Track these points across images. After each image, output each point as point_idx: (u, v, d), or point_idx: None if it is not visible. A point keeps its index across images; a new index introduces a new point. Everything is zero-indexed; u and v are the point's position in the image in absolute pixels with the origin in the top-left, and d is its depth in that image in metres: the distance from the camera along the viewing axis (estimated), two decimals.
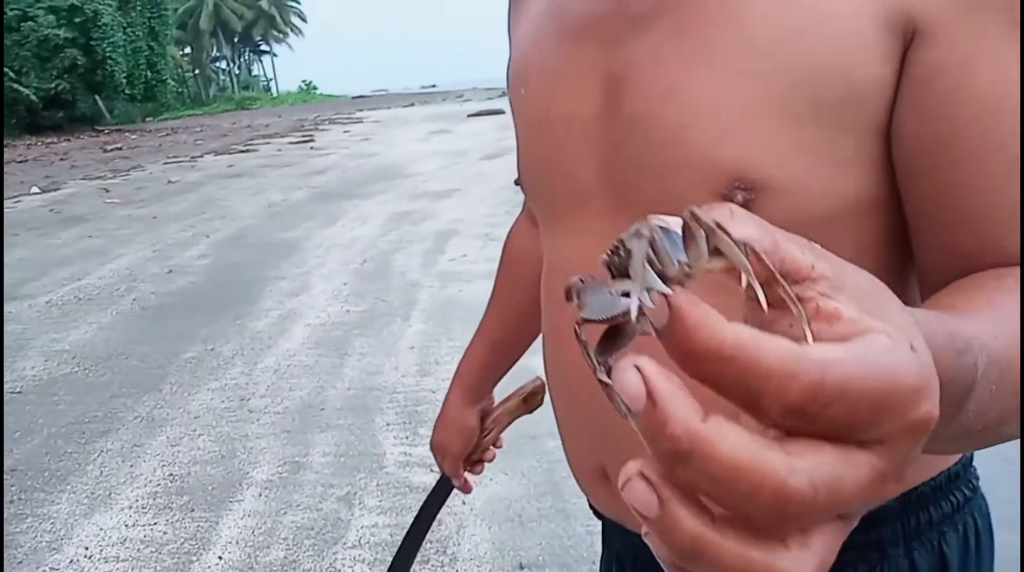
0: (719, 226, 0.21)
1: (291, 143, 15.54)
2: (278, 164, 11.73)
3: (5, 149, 18.85)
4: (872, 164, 0.45)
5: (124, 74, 26.85)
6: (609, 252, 0.22)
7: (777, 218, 0.36)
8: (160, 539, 2.19)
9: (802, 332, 0.20)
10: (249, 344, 3.73)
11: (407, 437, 2.74)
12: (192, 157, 13.63)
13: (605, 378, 0.20)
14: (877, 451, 0.20)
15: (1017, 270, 0.40)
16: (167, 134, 21.76)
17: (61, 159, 14.68)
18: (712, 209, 0.22)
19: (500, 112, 22.77)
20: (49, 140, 21.55)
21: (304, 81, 53.35)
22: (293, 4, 53.59)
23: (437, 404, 3.17)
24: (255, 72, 59.84)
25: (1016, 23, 0.41)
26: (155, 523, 2.27)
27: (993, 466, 0.72)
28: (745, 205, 0.45)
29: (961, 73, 0.42)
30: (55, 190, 9.89)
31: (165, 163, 12.86)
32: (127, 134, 22.95)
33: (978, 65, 0.42)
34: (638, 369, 0.19)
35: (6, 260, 5.81)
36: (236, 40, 52.82)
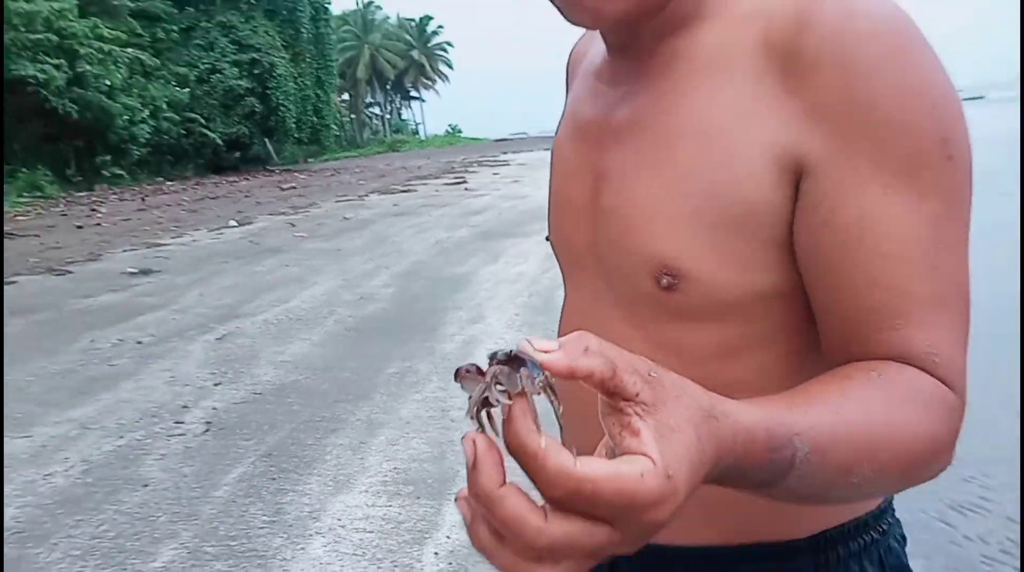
0: (544, 365, 0.32)
1: (445, 185, 16.53)
2: (437, 204, 12.59)
3: (197, 186, 21.25)
4: (774, 266, 0.56)
5: (294, 120, 29.52)
6: (488, 357, 0.34)
7: (694, 301, 0.57)
8: (396, 518, 2.61)
9: (618, 435, 0.33)
10: (440, 363, 4.20)
11: None
12: (359, 196, 14.86)
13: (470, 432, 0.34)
14: (617, 529, 0.33)
15: (875, 364, 0.51)
16: (332, 174, 23.64)
17: (246, 196, 16.39)
18: (570, 342, 0.34)
19: None
20: (231, 179, 23.97)
21: (450, 125, 56.31)
22: (441, 53, 56.70)
23: None
24: (404, 116, 63.52)
25: (882, 164, 0.51)
26: (390, 505, 2.70)
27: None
28: (670, 288, 0.58)
29: (835, 203, 0.52)
30: (248, 224, 11.16)
31: (336, 201, 14.10)
32: (296, 174, 25.14)
33: (847, 198, 0.52)
34: (473, 442, 0.32)
35: (222, 284, 6.72)
36: (389, 87, 56.42)
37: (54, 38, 18.65)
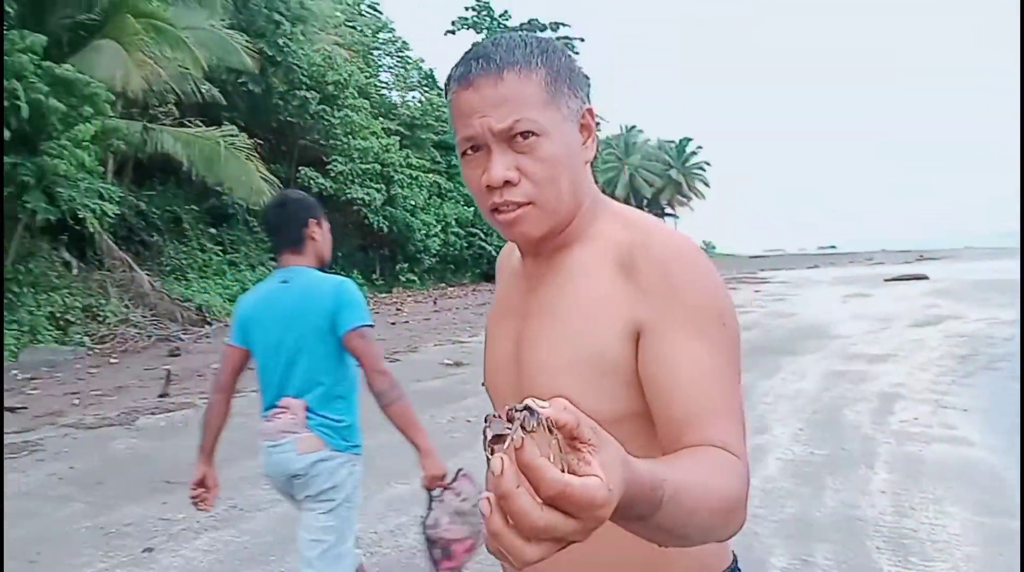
0: (533, 417, 0.52)
1: None
2: None
3: (475, 292, 23.71)
4: (632, 397, 0.85)
5: None
6: (507, 408, 0.52)
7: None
8: None
9: (577, 465, 0.53)
10: None
11: (899, 560, 3.24)
12: None
13: (489, 455, 0.50)
14: (579, 521, 0.51)
15: (697, 447, 0.78)
16: None
17: None
18: (553, 403, 0.54)
19: (923, 278, 21.43)
20: None
21: (704, 241, 56.62)
22: (699, 172, 57.75)
23: (921, 542, 3.80)
24: None
25: (683, 326, 0.82)
26: None
27: None
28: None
29: (656, 351, 0.83)
30: None
31: None
32: None
33: (663, 347, 0.82)
34: (501, 459, 0.49)
35: None
36: (645, 204, 58.34)
37: (378, 167, 22.56)
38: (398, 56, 31.64)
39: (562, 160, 0.87)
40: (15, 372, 8.98)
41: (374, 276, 24.33)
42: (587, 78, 0.93)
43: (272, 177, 15.51)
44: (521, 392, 0.91)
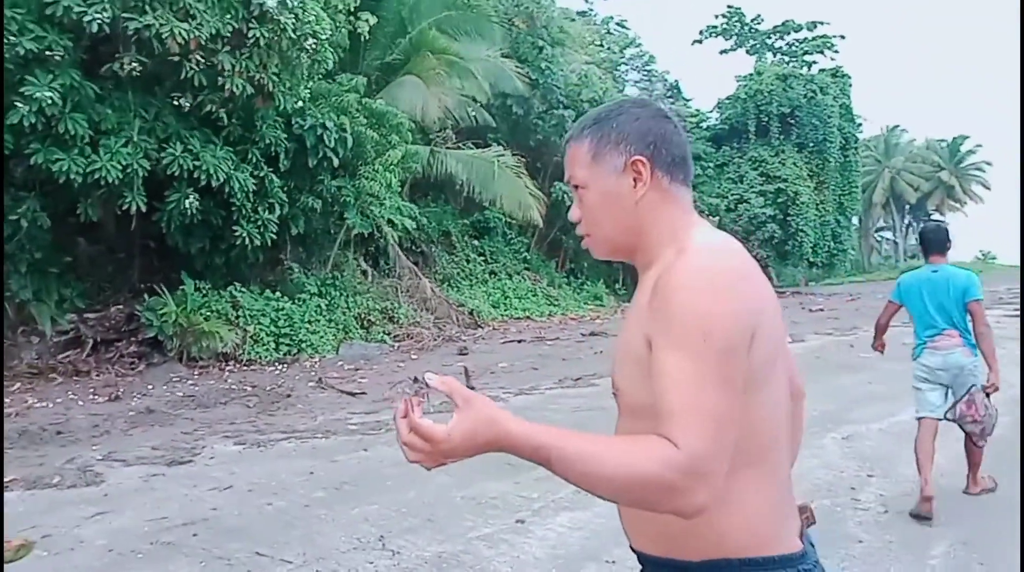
0: (426, 384, 1.07)
1: (1005, 315, 14.99)
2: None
3: None
4: (649, 389, 1.06)
5: (811, 244, 30.07)
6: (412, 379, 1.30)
7: (623, 404, 1.25)
8: None
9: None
10: None
11: None
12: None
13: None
14: (431, 446, 1.02)
15: (643, 437, 1.03)
16: (850, 299, 23.28)
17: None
18: (439, 379, 1.07)
19: None
20: None
21: (982, 251, 50.07)
22: (976, 173, 51.19)
23: None
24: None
25: (671, 342, 1.06)
26: None
27: None
28: (615, 396, 1.21)
29: (652, 360, 1.06)
30: (801, 341, 12.00)
31: None
32: (808, 296, 25.43)
33: (658, 355, 1.05)
34: (396, 406, 1.06)
35: (814, 392, 7.52)
36: (907, 210, 52.90)
37: None
38: (645, 70, 32.00)
39: (600, 206, 1.20)
40: (340, 363, 10.58)
41: (617, 285, 24.83)
42: (651, 132, 1.19)
43: (539, 192, 16.54)
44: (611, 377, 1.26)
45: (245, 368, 10.01)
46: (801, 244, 29.67)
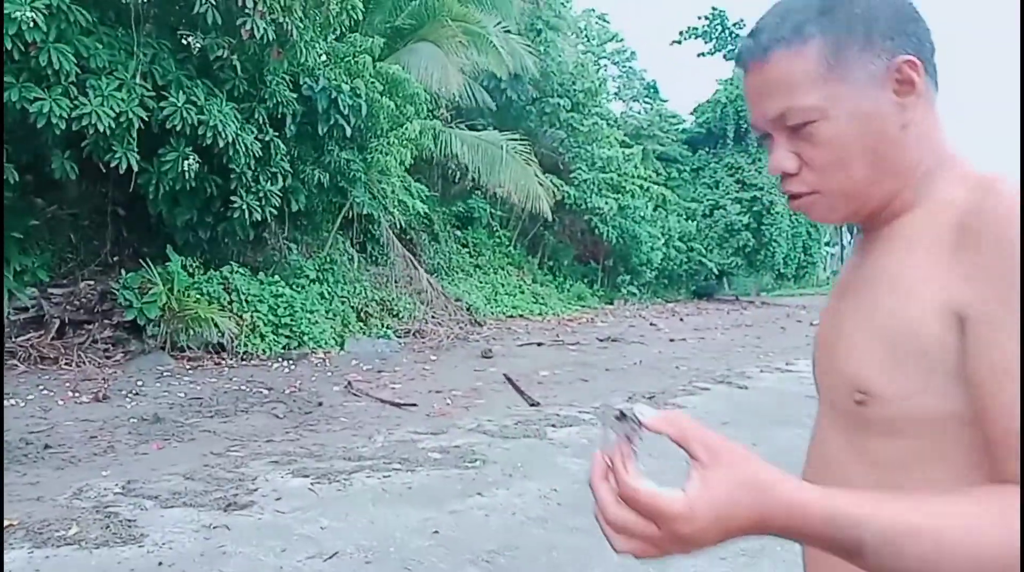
0: (639, 422, 0.63)
1: None
2: None
3: (699, 310, 22.67)
4: (949, 394, 0.70)
5: (783, 255, 29.95)
6: (618, 410, 0.66)
7: (880, 416, 0.74)
8: None
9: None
10: None
11: None
12: None
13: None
14: (659, 529, 0.60)
15: (983, 489, 0.65)
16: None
17: (781, 326, 16.80)
18: (664, 413, 0.64)
19: None
20: (716, 306, 25.02)
21: None
22: None
23: None
24: None
25: (1015, 329, 0.65)
26: None
27: None
28: (861, 403, 0.76)
29: (980, 351, 0.67)
30: None
31: None
32: (764, 306, 25.21)
33: (991, 349, 0.66)
34: (594, 456, 0.66)
35: None
36: (854, 226, 54.19)
37: (616, 178, 22.15)
38: (624, 66, 31.24)
39: (852, 139, 0.78)
40: (355, 361, 9.20)
41: (595, 286, 24.01)
42: (914, 19, 0.79)
43: (548, 181, 15.42)
44: (823, 379, 0.88)
45: (244, 363, 8.54)
46: (773, 254, 29.48)
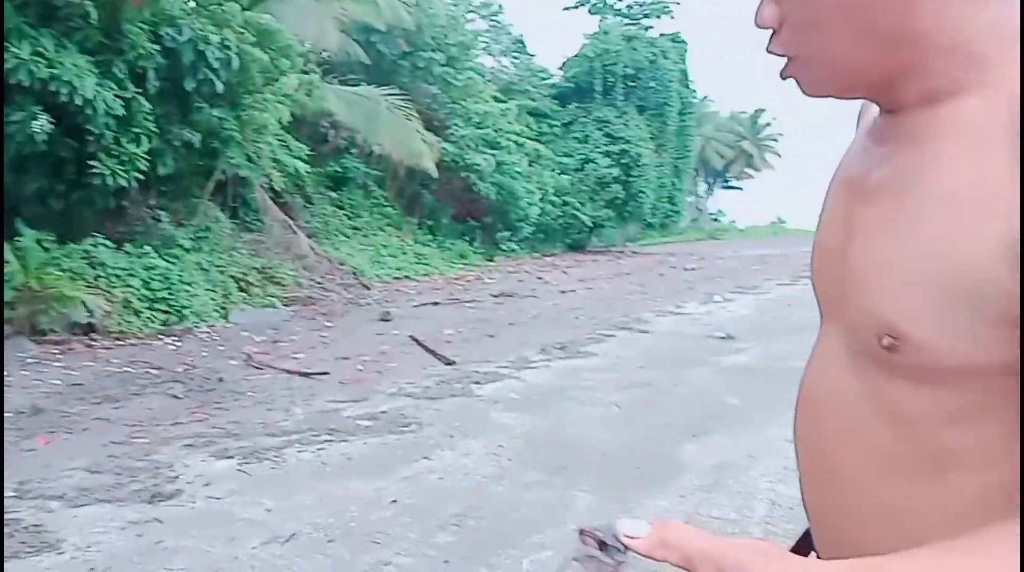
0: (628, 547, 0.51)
1: None
2: None
3: (578, 262, 23.21)
4: (1002, 342, 0.54)
5: (650, 206, 31.10)
6: (590, 532, 0.54)
7: (914, 364, 0.58)
8: None
9: None
10: None
11: None
12: (760, 282, 14.95)
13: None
14: None
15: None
16: (694, 258, 24.29)
17: (659, 274, 17.48)
18: (655, 530, 0.51)
19: None
20: (591, 257, 25.74)
21: (778, 217, 55.24)
22: (771, 143, 56.32)
23: None
24: (720, 206, 63.51)
25: None
26: None
27: None
28: (891, 349, 0.59)
29: None
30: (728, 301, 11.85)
31: (758, 288, 14.41)
32: (635, 255, 26.31)
33: None
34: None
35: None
36: (713, 175, 57.13)
37: (492, 134, 21.99)
38: (492, 20, 30.82)
39: None
40: (245, 333, 8.64)
41: (475, 243, 23.94)
42: None
43: (431, 138, 15.01)
44: (845, 304, 0.66)
45: (119, 343, 7.78)
46: (641, 205, 30.50)
